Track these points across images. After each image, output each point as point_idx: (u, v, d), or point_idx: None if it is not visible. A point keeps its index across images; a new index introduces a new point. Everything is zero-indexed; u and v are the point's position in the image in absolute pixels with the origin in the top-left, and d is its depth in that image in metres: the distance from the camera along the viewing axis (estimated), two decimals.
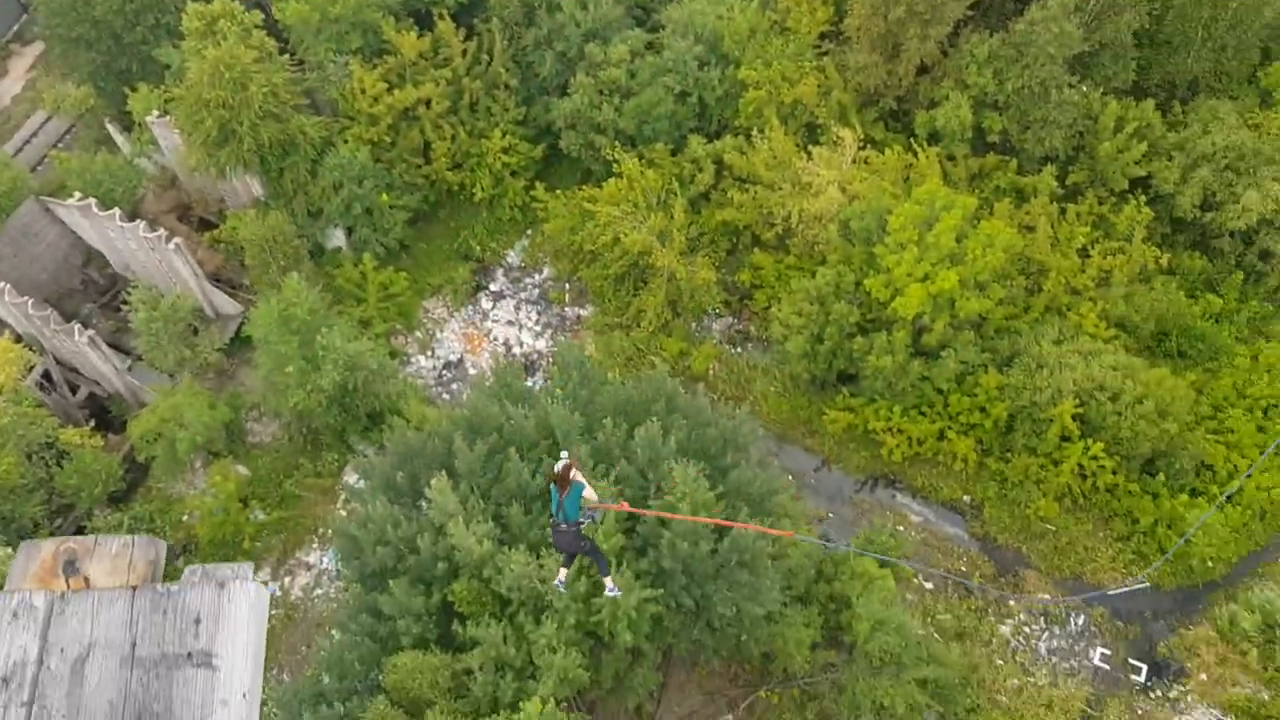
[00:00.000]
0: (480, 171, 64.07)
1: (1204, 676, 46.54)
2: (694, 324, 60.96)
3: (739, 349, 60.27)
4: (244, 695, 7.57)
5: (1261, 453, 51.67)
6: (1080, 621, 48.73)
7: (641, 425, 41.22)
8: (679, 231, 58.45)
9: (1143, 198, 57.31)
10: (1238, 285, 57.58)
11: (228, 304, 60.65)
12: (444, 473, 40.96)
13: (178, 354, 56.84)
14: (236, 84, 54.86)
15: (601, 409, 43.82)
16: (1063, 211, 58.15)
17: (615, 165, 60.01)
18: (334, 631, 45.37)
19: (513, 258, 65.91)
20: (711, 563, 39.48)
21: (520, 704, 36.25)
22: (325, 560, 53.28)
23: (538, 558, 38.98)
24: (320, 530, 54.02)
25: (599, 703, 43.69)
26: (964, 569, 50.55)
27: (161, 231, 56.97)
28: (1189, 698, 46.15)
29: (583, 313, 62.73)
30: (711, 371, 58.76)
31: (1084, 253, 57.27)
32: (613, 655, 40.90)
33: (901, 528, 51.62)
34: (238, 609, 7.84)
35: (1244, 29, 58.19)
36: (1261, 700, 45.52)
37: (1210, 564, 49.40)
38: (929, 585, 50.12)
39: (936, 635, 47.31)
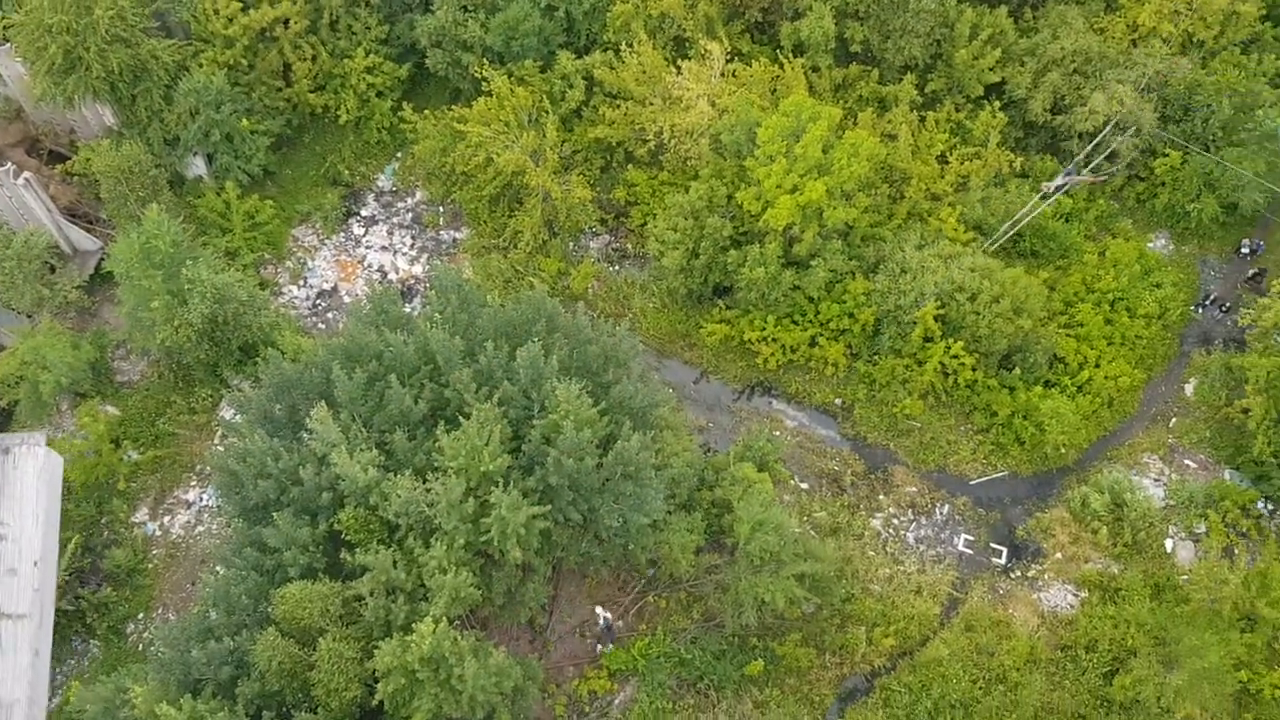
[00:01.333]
0: (345, 93, 62.39)
1: (1059, 555, 50.01)
2: (571, 243, 61.13)
3: (617, 266, 60.81)
4: (35, 563, 7.81)
5: (1109, 342, 55.12)
6: (945, 511, 51.65)
7: (523, 346, 41.59)
8: (552, 150, 58.23)
9: (997, 103, 59.38)
10: (1085, 185, 60.35)
11: (85, 239, 58.23)
12: (324, 403, 40.77)
13: (35, 293, 54.63)
14: (81, 7, 52.03)
15: (482, 332, 43.99)
16: (922, 119, 59.84)
17: (484, 83, 59.15)
18: (218, 568, 45.10)
19: (383, 182, 64.74)
20: (597, 477, 40.49)
21: (413, 625, 36.94)
22: (205, 497, 52.60)
23: (424, 482, 39.36)
24: (198, 468, 53.17)
25: (492, 618, 44.73)
26: (836, 468, 52.83)
27: (9, 166, 54.19)
28: (1046, 575, 49.61)
29: (458, 235, 62.26)
30: (590, 290, 59.21)
31: (943, 159, 59.25)
32: (503, 572, 41.83)
33: (778, 433, 53.47)
34: (24, 475, 8.06)
35: None
36: (1112, 573, 49.19)
37: (1063, 450, 52.66)
38: (805, 485, 52.27)
39: (813, 532, 49.59)
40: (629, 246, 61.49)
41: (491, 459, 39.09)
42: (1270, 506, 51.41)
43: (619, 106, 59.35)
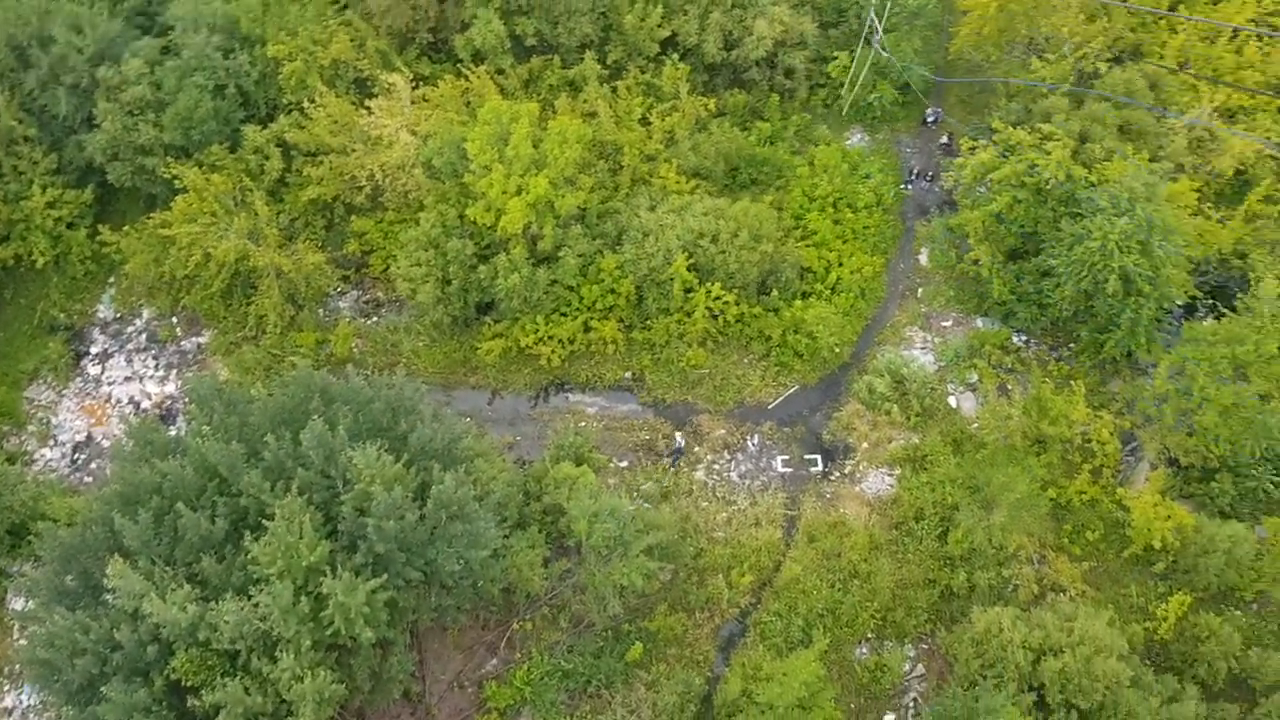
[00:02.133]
0: (33, 236, 58.45)
1: (865, 445, 53.28)
2: (320, 310, 59.70)
3: (374, 318, 59.85)
4: None
5: (843, 240, 58.80)
6: (756, 441, 53.99)
7: (305, 428, 40.49)
8: (269, 226, 56.56)
9: (675, 56, 61.87)
10: (777, 107, 63.99)
11: None
12: (116, 556, 38.44)
13: None
14: None
15: (257, 428, 42.47)
16: (614, 90, 61.62)
17: (176, 181, 56.74)
18: None
19: (104, 312, 61.12)
20: (423, 529, 40.06)
21: None
22: (24, 698, 48.59)
23: (249, 599, 37.85)
24: (5, 669, 49.06)
25: (366, 706, 43.63)
26: (648, 437, 54.24)
27: None
28: (860, 467, 52.78)
29: (201, 340, 59.60)
30: (355, 349, 58.09)
31: (645, 121, 61.29)
32: (361, 657, 40.86)
33: (583, 424, 54.31)
34: None
35: None
36: (914, 444, 52.83)
37: (837, 350, 55.94)
38: (624, 464, 53.42)
39: (646, 504, 50.74)
40: (380, 294, 60.62)
41: (310, 550, 38.01)
42: (1023, 338, 56.44)
43: (322, 162, 58.19)
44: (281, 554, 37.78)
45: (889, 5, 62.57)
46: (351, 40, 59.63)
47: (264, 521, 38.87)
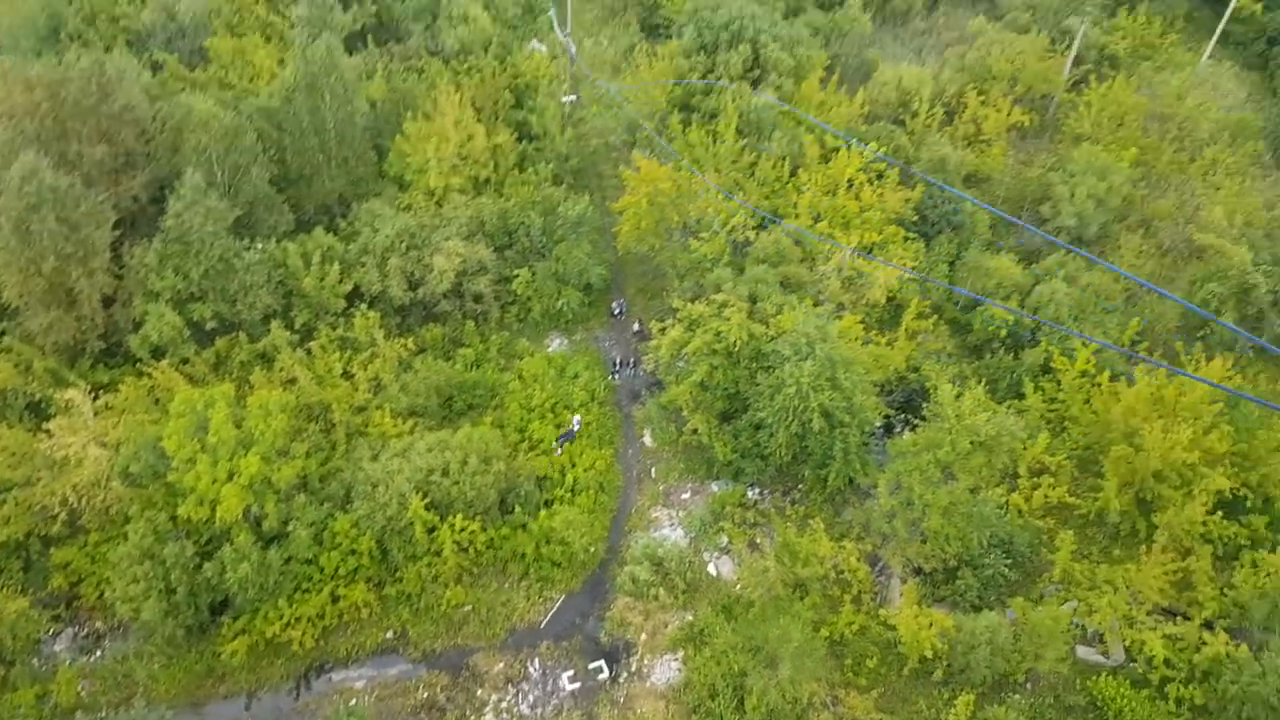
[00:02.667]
0: None
1: (644, 637, 53.44)
2: (34, 660, 53.44)
3: (98, 652, 54.21)
4: None
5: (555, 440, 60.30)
6: (537, 665, 52.82)
7: None
8: None
9: (363, 306, 62.65)
10: (474, 331, 65.80)
11: None
12: None
13: None
14: None
15: None
16: (309, 352, 61.23)
17: None
18: None
19: None
20: None
21: None
22: None
23: None
24: None
25: None
26: (425, 694, 51.72)
27: None
28: (645, 660, 52.73)
29: None
30: (84, 692, 52.18)
31: (348, 374, 61.11)
32: None
33: (354, 701, 51.12)
34: None
35: (351, 140, 65.91)
36: (689, 622, 53.57)
37: (592, 550, 56.47)
38: None
39: None
40: (100, 625, 55.13)
41: None
42: (757, 490, 59.49)
43: (4, 500, 53.35)
44: None
45: (554, 220, 66.80)
46: (15, 366, 56.11)
47: None
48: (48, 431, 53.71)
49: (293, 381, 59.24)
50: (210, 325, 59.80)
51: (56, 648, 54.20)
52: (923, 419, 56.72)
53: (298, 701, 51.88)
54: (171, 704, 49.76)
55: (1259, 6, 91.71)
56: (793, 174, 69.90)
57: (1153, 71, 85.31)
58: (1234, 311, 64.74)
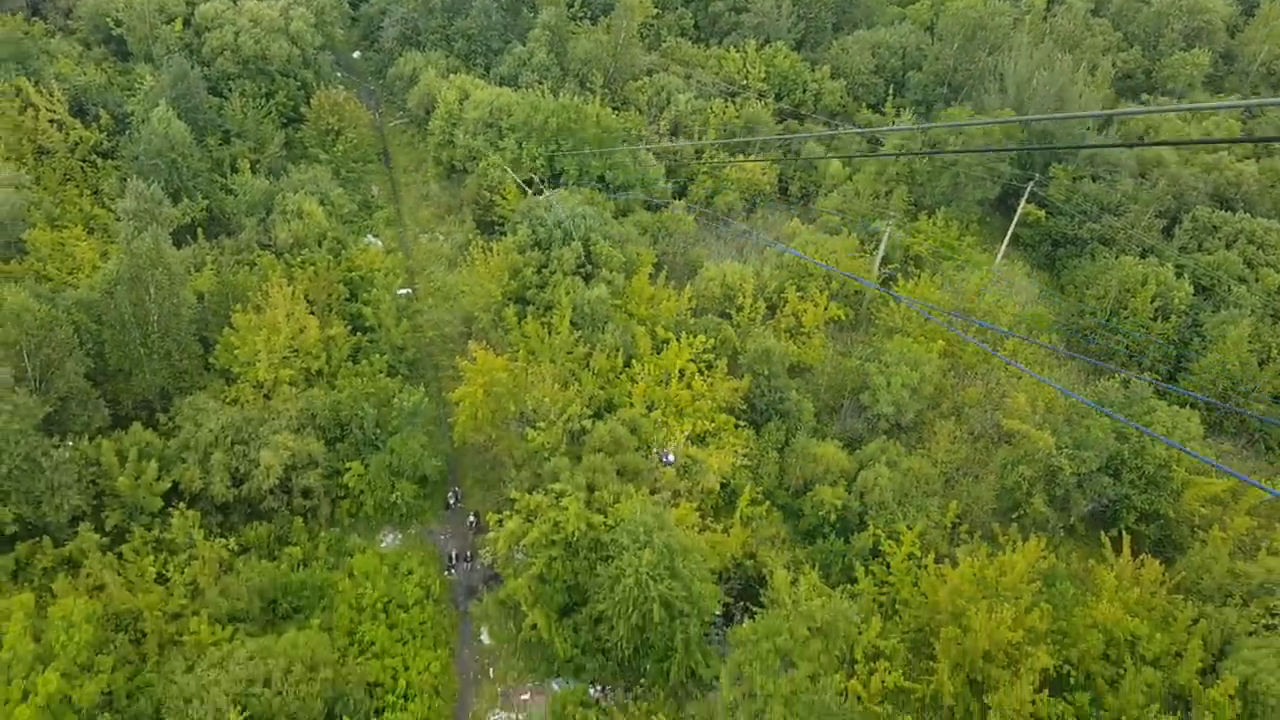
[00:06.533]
0: None
1: None
2: None
3: None
4: None
5: (403, 643, 57.71)
6: None
7: None
8: None
9: (181, 505, 59.65)
10: (302, 528, 63.26)
11: None
12: None
13: None
14: None
15: None
16: (120, 556, 57.51)
17: None
18: None
19: None
20: None
21: None
22: None
23: None
24: None
25: None
26: None
27: None
28: None
29: None
30: None
31: (162, 579, 57.46)
32: None
33: None
34: None
35: (176, 333, 64.22)
36: None
37: None
38: None
39: None
40: None
41: None
42: (599, 688, 58.00)
43: None
44: None
45: (390, 412, 66.03)
46: None
47: None
48: None
49: (101, 588, 55.19)
50: (10, 530, 55.57)
51: None
52: (761, 606, 57.24)
53: None
54: None
55: (1043, 213, 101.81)
56: (626, 364, 71.70)
57: (954, 270, 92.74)
58: (1043, 493, 68.81)
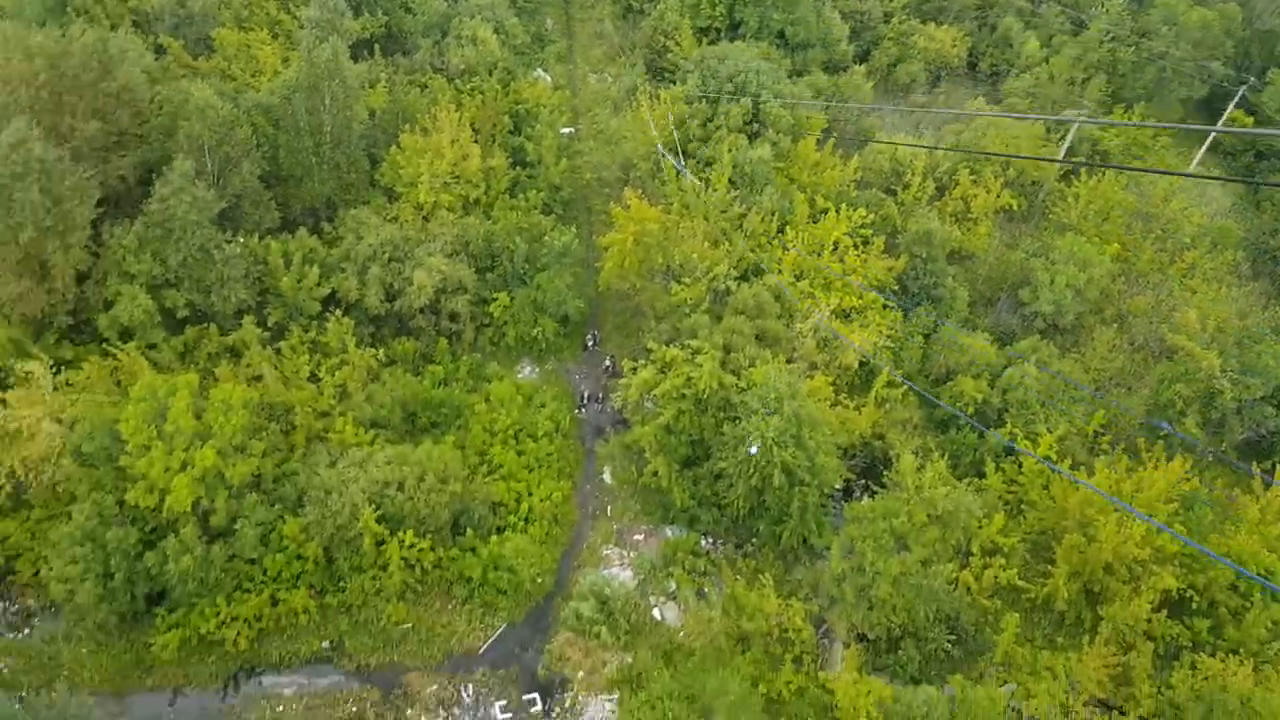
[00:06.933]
0: None
1: (581, 674, 52.95)
2: None
3: (25, 630, 53.14)
4: None
5: (529, 470, 60.01)
6: (470, 691, 52.21)
7: None
8: None
9: (338, 311, 62.33)
10: (446, 350, 65.58)
11: None
12: None
13: None
14: None
15: None
16: (279, 351, 60.78)
17: None
18: None
19: None
20: None
21: None
22: None
23: None
24: None
25: None
26: (355, 709, 50.95)
27: None
28: (579, 698, 52.23)
29: None
30: (5, 670, 51.05)
31: (314, 378, 60.64)
32: None
33: (281, 708, 50.33)
34: None
35: (346, 145, 65.89)
36: (628, 664, 53.16)
37: (539, 580, 56.11)
38: None
39: None
40: (31, 603, 54.09)
41: None
42: (710, 540, 59.31)
43: None
44: None
45: (539, 247, 66.91)
46: None
47: None
48: (3, 401, 52.92)
49: (258, 379, 58.74)
50: (182, 313, 59.29)
51: None
52: (882, 487, 57.00)
53: (224, 703, 50.99)
54: (95, 691, 48.81)
55: (1250, 119, 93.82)
56: (780, 230, 70.46)
57: (1142, 170, 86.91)
58: (1198, 414, 65.55)
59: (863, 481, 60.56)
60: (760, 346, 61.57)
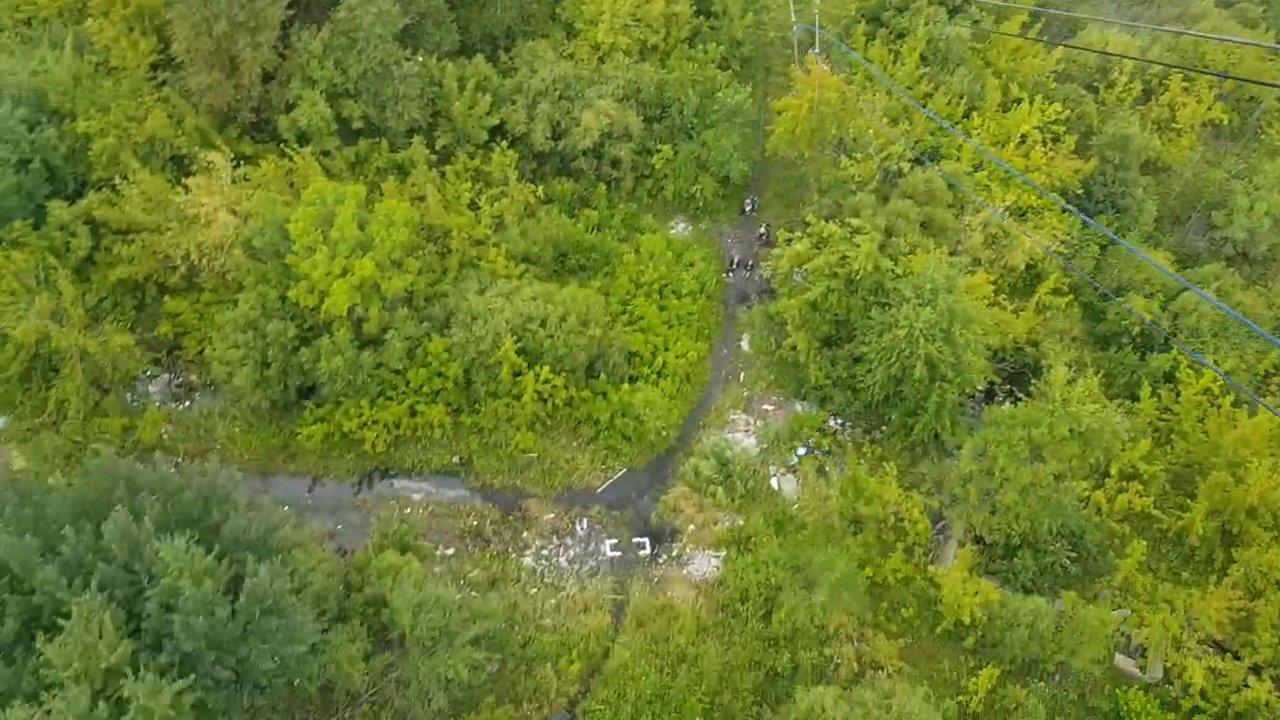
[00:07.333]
0: None
1: (692, 527, 54.08)
2: (128, 394, 56.75)
3: (187, 403, 57.26)
4: None
5: (669, 326, 60.30)
6: (585, 525, 54.03)
7: (107, 520, 38.19)
8: (73, 305, 53.64)
9: (504, 143, 62.81)
10: (603, 196, 65.65)
11: None
12: None
13: None
14: None
15: (54, 520, 39.77)
16: (443, 174, 61.92)
17: None
18: None
19: None
20: (235, 625, 38.08)
21: None
22: None
23: (40, 704, 35.05)
24: None
25: None
26: (475, 523, 53.48)
27: None
28: (687, 549, 53.46)
29: None
30: (165, 435, 55.35)
31: (474, 205, 61.74)
32: None
33: (408, 510, 53.20)
34: None
35: None
36: (739, 526, 53.93)
37: (664, 433, 56.94)
38: (450, 551, 52.40)
39: (473, 593, 49.86)
40: (194, 378, 58.10)
41: (110, 651, 35.57)
42: (839, 421, 58.84)
43: (134, 241, 55.89)
44: (78, 655, 35.20)
45: (710, 103, 65.50)
46: (169, 117, 57.97)
47: (59, 620, 36.23)
48: (185, 187, 55.76)
49: (421, 199, 60.11)
50: (357, 125, 60.77)
51: (150, 389, 57.37)
52: (1027, 395, 55.14)
53: (357, 496, 54.28)
54: (243, 467, 52.37)
55: None
56: (966, 115, 67.03)
57: None
58: None
59: (1008, 387, 58.67)
60: (924, 234, 59.39)
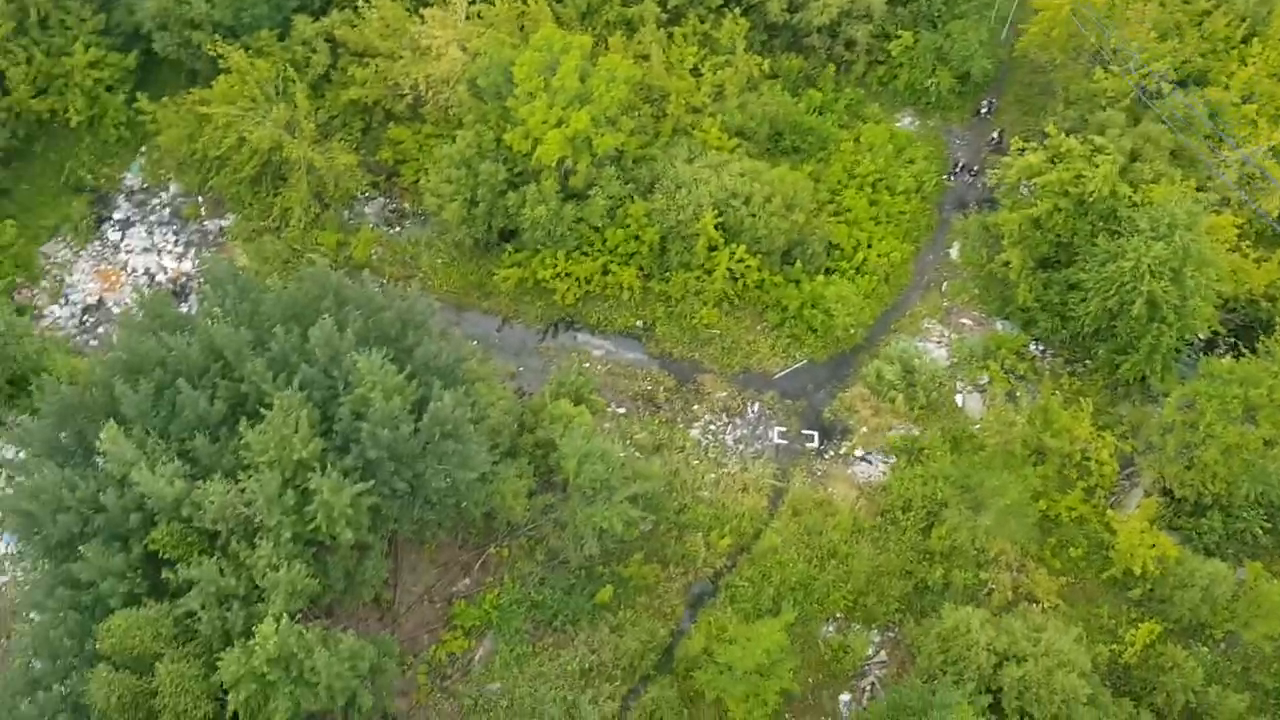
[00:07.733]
0: (70, 93, 58.37)
1: (864, 429, 53.14)
2: (346, 212, 59.58)
3: (397, 228, 59.70)
4: None
5: (876, 222, 58.27)
6: (756, 409, 53.91)
7: (314, 326, 40.57)
8: (306, 119, 56.23)
9: (737, 10, 60.92)
10: (831, 78, 63.10)
11: None
12: (112, 421, 38.70)
13: None
14: None
15: (268, 318, 42.60)
16: (670, 36, 60.81)
17: (221, 61, 56.34)
18: (32, 614, 42.41)
19: (131, 180, 61.07)
20: (416, 442, 40.17)
21: (253, 629, 36.07)
22: (3, 544, 49.22)
23: (237, 483, 38.18)
24: None
25: (335, 604, 44.09)
26: (649, 388, 54.16)
27: None
28: (856, 450, 52.69)
29: (224, 223, 59.59)
30: (374, 256, 58.01)
31: (696, 72, 60.54)
32: (338, 556, 41.23)
33: (587, 364, 54.34)
34: None
35: None
36: (913, 436, 52.71)
37: (852, 331, 55.62)
38: (621, 410, 53.40)
39: (637, 453, 50.88)
40: (406, 206, 60.43)
41: (303, 445, 38.24)
42: (1040, 347, 56.03)
43: (368, 65, 57.76)
44: (274, 444, 38.03)
45: None
46: None
47: (262, 410, 39.09)
48: (422, 17, 56.83)
49: (645, 58, 59.31)
50: None
51: (366, 210, 60.03)
52: (1252, 351, 50.96)
53: (541, 343, 55.87)
54: (440, 297, 54.52)
55: None
56: (1245, 40, 60.57)
57: None
58: None
59: (1232, 339, 54.25)
60: (1172, 164, 54.63)
